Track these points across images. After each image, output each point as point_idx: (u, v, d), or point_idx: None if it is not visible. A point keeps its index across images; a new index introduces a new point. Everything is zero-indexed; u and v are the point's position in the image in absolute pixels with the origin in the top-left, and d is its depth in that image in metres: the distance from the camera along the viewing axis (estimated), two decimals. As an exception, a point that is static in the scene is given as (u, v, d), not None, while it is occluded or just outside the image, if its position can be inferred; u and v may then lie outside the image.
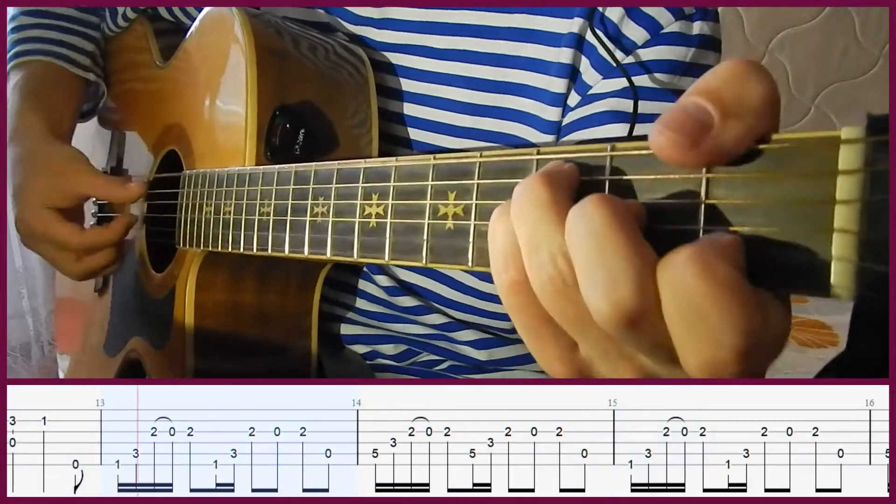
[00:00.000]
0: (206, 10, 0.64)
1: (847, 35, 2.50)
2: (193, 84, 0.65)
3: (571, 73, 0.56)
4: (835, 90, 2.53)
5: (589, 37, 0.55)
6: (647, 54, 0.54)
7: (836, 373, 0.23)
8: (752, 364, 0.24)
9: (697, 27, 0.55)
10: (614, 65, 0.54)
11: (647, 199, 0.27)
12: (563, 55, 0.56)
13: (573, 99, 0.57)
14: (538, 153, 0.31)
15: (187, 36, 0.67)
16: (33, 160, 0.68)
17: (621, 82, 0.54)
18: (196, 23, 0.66)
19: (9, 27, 0.79)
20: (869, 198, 0.22)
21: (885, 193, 0.21)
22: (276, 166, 0.48)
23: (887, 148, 0.21)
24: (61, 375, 0.93)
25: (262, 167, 0.50)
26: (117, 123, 0.83)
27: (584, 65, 0.56)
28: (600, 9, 0.55)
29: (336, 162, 0.41)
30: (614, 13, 0.55)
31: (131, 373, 0.71)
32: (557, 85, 0.57)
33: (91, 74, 0.78)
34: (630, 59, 0.55)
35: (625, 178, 0.28)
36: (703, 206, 0.26)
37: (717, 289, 0.23)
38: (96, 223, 0.79)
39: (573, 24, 0.56)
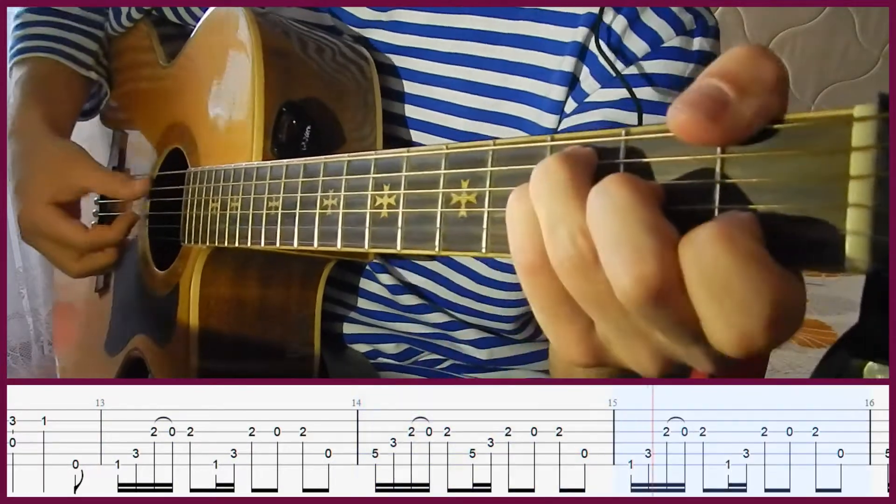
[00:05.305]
0: (212, 8, 0.64)
1: (847, 35, 2.49)
2: (199, 82, 0.65)
3: (571, 81, 0.57)
4: (835, 90, 2.53)
5: (592, 46, 0.56)
6: (647, 67, 0.55)
7: (847, 347, 0.24)
8: (780, 334, 0.25)
9: (697, 43, 0.56)
10: (614, 75, 0.55)
11: (662, 181, 0.27)
12: (565, 63, 0.56)
13: (569, 106, 0.57)
14: (552, 139, 0.31)
15: (192, 35, 0.67)
16: (35, 156, 0.69)
17: (618, 93, 0.55)
18: (201, 21, 0.66)
19: (13, 24, 0.80)
20: (882, 173, 0.22)
21: None
22: (285, 160, 0.48)
23: None
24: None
25: (270, 162, 0.50)
26: (120, 122, 0.83)
27: (584, 73, 0.57)
28: (605, 20, 0.55)
29: (346, 154, 0.41)
30: (618, 25, 0.55)
31: (133, 371, 0.71)
32: (557, 93, 0.57)
33: (93, 73, 0.79)
34: (630, 70, 0.55)
35: (640, 160, 0.28)
36: (718, 185, 0.26)
37: (743, 262, 0.23)
38: (98, 222, 0.79)
39: (577, 34, 0.56)
